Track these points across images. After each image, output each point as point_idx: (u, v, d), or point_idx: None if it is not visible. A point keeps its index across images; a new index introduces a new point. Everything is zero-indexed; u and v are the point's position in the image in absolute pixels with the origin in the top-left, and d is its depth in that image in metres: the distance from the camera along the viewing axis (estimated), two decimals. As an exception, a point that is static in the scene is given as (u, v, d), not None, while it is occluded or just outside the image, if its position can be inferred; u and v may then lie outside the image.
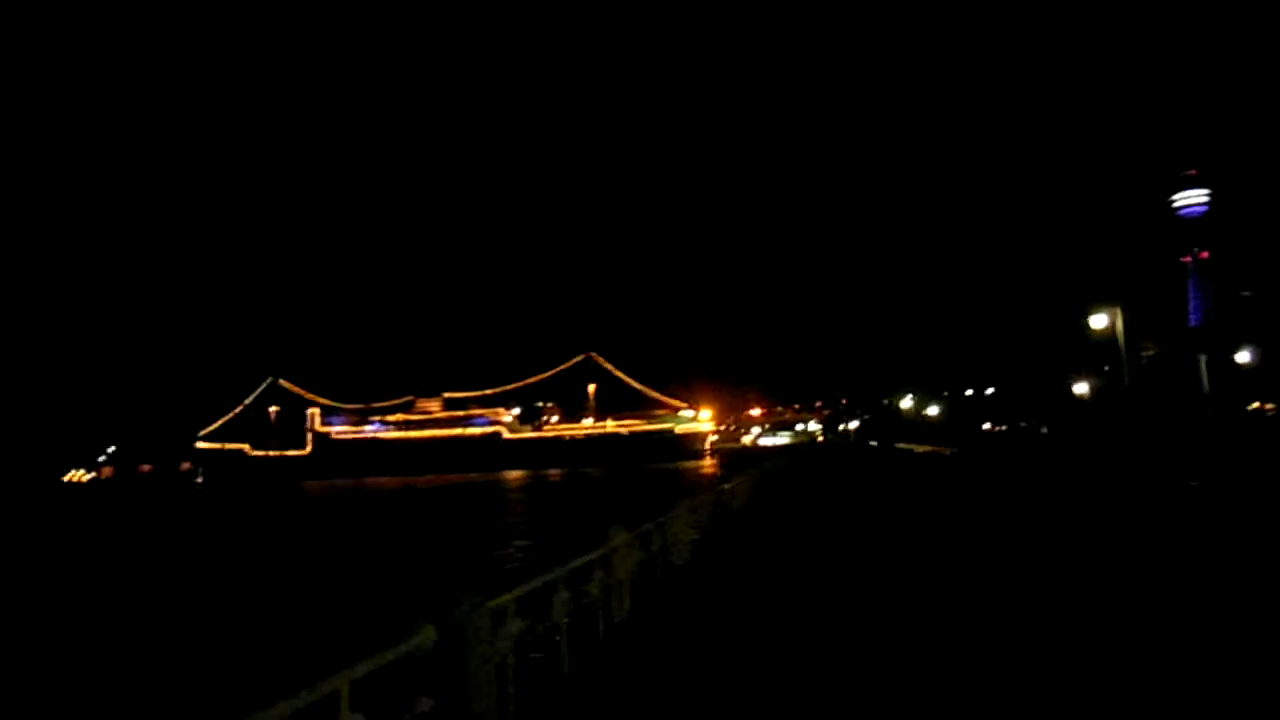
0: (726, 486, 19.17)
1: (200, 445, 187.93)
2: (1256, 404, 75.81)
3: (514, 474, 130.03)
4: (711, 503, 15.09)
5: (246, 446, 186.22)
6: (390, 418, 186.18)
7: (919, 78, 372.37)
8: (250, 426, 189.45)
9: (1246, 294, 76.52)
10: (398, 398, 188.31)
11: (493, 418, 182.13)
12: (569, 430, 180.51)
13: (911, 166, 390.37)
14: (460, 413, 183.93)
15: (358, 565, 25.59)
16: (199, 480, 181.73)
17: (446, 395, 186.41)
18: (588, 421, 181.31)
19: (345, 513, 58.97)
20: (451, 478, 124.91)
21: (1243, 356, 61.52)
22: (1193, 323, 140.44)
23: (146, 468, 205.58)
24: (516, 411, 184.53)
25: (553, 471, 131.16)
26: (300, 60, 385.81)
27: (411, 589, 18.96)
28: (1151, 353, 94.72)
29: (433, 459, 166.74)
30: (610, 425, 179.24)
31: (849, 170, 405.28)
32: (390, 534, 39.39)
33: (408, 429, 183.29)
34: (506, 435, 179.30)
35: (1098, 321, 41.46)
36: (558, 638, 6.14)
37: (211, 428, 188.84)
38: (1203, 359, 57.33)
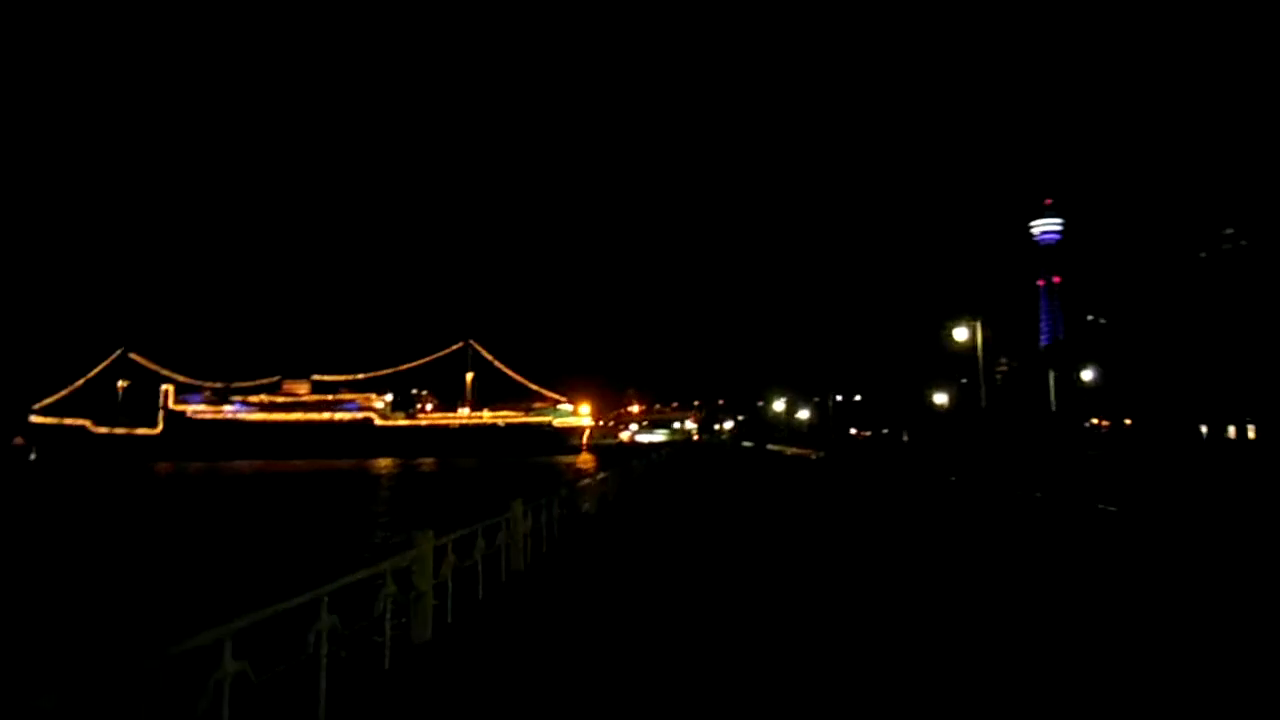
0: (585, 483, 18.41)
1: (35, 419, 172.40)
2: (1094, 420, 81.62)
3: (384, 462, 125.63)
4: (561, 501, 14.23)
5: (89, 423, 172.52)
6: (253, 398, 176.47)
7: (798, 91, 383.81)
8: (95, 401, 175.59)
9: (1102, 321, 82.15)
10: (263, 377, 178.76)
11: (364, 403, 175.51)
12: (444, 419, 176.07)
13: (792, 178, 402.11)
14: (330, 396, 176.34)
15: (166, 561, 23.47)
16: (32, 457, 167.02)
17: (315, 377, 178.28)
18: (464, 411, 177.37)
19: (188, 497, 55.08)
20: (318, 464, 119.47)
21: (1086, 375, 65.84)
22: (1043, 342, 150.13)
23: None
24: (389, 397, 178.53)
25: (425, 461, 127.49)
26: (174, 18, 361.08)
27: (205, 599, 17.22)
28: (1005, 369, 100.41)
29: (299, 444, 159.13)
30: (487, 416, 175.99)
31: (731, 180, 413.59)
32: (230, 523, 36.76)
33: (272, 411, 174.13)
34: (378, 422, 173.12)
35: (959, 335, 43.22)
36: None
37: (48, 400, 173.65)
38: (1051, 376, 60.98)
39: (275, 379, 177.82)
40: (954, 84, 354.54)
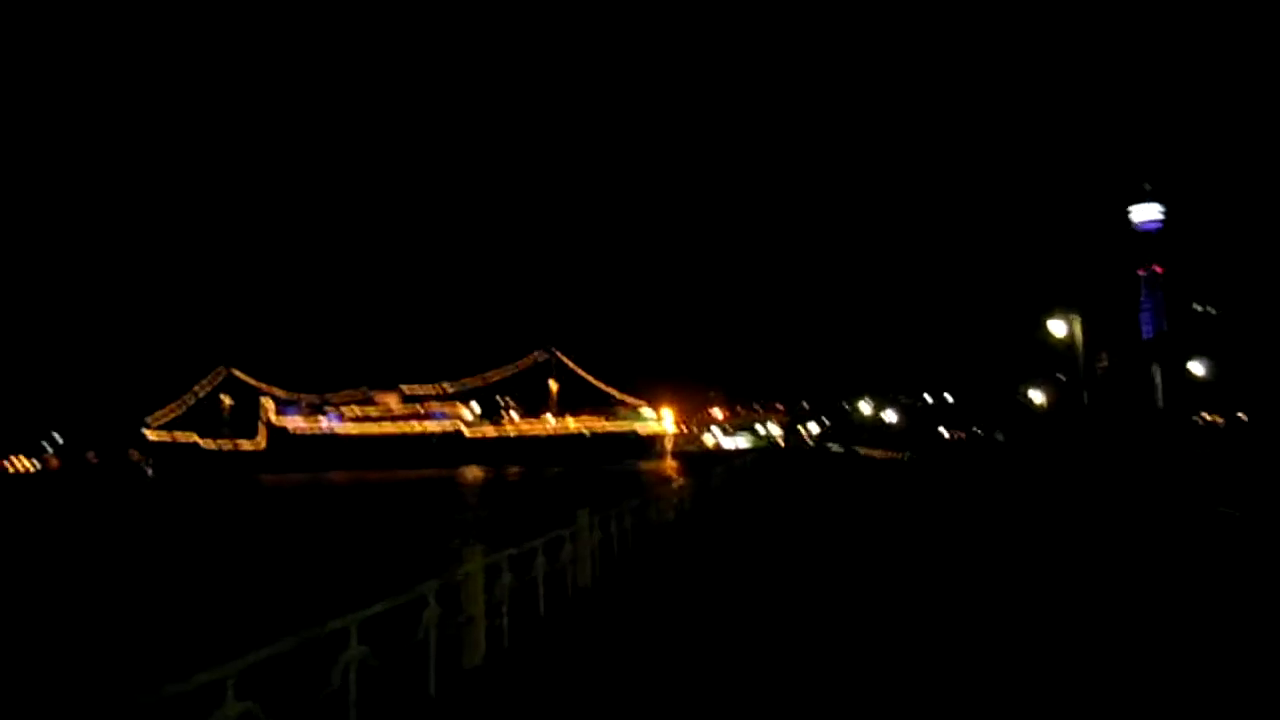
0: (661, 491, 18.02)
1: (150, 435, 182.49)
2: (1206, 416, 76.81)
3: (473, 471, 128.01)
4: (633, 510, 13.81)
5: (199, 437, 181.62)
6: (346, 410, 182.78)
7: (882, 91, 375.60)
8: (201, 416, 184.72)
9: (1211, 310, 77.43)
10: (349, 388, 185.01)
11: (451, 413, 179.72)
12: (530, 428, 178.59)
13: (876, 178, 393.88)
14: (419, 408, 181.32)
15: (238, 573, 24.01)
16: (150, 472, 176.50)
17: (404, 388, 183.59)
18: (549, 419, 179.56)
19: (301, 507, 57.31)
20: (409, 473, 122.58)
21: (1194, 369, 61.95)
22: (1145, 335, 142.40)
23: (93, 457, 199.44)
24: (476, 408, 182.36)
25: (512, 469, 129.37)
26: (251, 36, 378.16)
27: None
28: (1105, 364, 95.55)
29: (391, 454, 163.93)
30: (572, 425, 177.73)
31: (815, 180, 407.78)
32: (339, 529, 37.96)
33: (365, 423, 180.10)
34: (467, 433, 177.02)
35: (1056, 329, 41.04)
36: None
37: (162, 417, 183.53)
38: (1157, 371, 57.63)
39: (362, 390, 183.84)
40: (1047, 65, 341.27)
